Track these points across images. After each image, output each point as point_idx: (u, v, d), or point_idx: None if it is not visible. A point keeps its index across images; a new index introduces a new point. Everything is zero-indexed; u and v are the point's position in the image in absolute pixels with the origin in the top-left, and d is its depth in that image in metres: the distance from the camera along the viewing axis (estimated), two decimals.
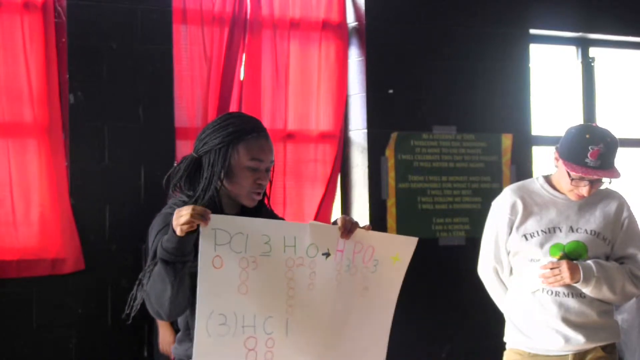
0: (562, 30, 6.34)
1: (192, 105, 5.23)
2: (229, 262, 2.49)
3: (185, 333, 2.70)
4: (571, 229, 3.59)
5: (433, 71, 5.83)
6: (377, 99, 5.68)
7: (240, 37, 5.33)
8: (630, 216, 3.67)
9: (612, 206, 3.65)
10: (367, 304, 2.72)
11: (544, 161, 6.10)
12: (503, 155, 6.00)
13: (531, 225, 3.61)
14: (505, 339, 3.76)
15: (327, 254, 2.62)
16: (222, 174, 2.66)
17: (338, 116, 5.65)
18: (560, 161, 3.56)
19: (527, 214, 3.63)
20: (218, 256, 2.48)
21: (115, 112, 5.02)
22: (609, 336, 3.64)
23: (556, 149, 3.61)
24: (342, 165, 5.72)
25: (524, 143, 6.08)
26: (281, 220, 2.81)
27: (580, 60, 6.51)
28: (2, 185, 4.82)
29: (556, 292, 3.55)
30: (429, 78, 5.82)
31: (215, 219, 2.47)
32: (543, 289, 3.56)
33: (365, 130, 5.64)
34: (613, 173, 3.51)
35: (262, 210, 2.77)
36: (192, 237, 2.46)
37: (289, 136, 5.52)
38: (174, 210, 2.48)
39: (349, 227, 2.63)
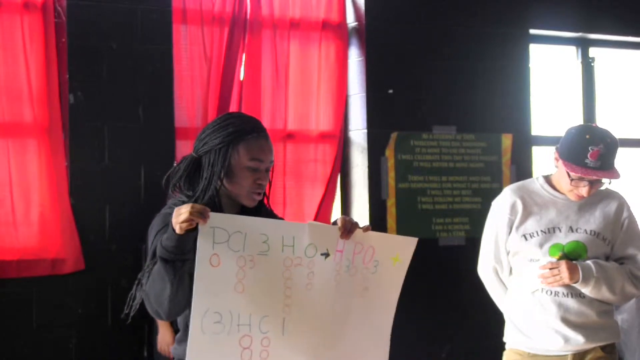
0: (562, 30, 6.34)
1: (192, 105, 5.23)
2: (227, 260, 2.49)
3: (184, 333, 2.69)
4: (571, 229, 3.59)
5: (433, 71, 5.83)
6: (377, 99, 5.67)
7: (240, 37, 5.33)
8: (630, 216, 3.67)
9: (612, 206, 3.65)
10: (367, 305, 2.72)
11: (544, 161, 6.10)
12: (503, 155, 6.00)
13: (531, 225, 3.61)
14: (504, 339, 3.76)
15: (326, 254, 2.62)
16: (222, 174, 2.66)
17: (338, 116, 5.64)
18: (560, 161, 3.56)
19: (527, 214, 3.62)
20: (216, 254, 2.48)
21: (115, 112, 5.02)
22: (608, 336, 3.64)
23: (556, 149, 3.61)
24: (342, 165, 5.72)
25: (524, 143, 6.08)
26: (280, 220, 2.80)
27: (580, 60, 6.51)
28: (2, 185, 4.82)
29: (556, 292, 3.55)
30: (429, 78, 5.82)
31: (214, 217, 2.47)
32: (542, 289, 3.56)
33: (365, 130, 5.64)
34: (613, 174, 3.50)
35: (262, 210, 2.76)
36: (191, 235, 2.46)
37: (289, 136, 5.52)
38: (173, 210, 2.48)
39: (348, 228, 2.63)
